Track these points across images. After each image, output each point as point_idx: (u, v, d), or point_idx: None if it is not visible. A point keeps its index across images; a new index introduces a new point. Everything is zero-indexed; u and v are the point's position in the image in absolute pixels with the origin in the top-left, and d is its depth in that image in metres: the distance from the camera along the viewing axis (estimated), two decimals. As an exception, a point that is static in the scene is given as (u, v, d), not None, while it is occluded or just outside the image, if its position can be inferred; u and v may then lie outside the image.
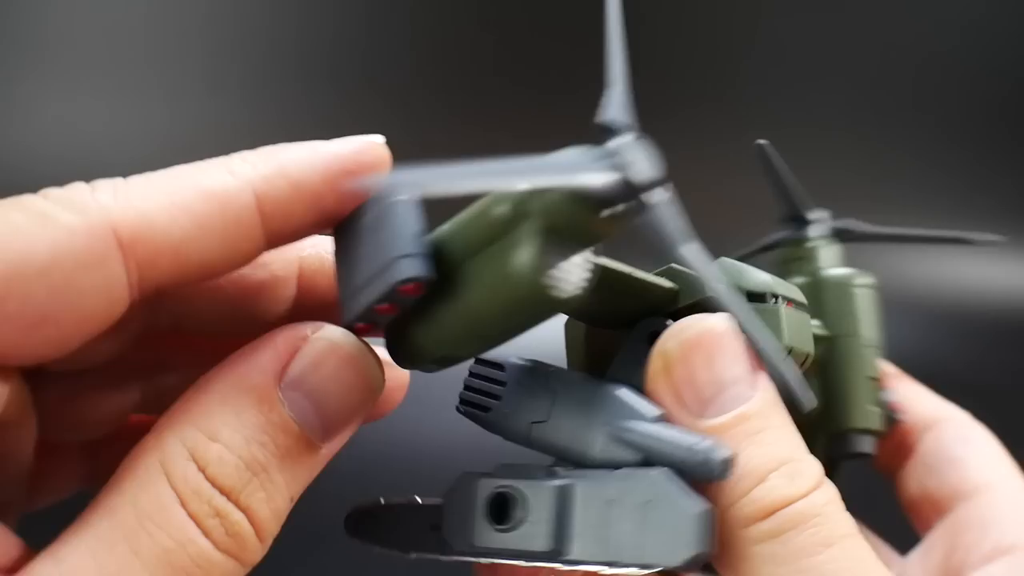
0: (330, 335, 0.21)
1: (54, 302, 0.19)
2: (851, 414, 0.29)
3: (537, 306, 0.20)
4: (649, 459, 0.22)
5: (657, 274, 0.24)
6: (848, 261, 0.32)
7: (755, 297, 0.23)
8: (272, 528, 0.20)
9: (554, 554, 0.22)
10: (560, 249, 0.19)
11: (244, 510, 0.20)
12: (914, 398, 0.32)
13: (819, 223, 0.32)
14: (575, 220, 0.19)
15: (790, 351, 0.22)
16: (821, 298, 0.30)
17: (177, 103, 0.59)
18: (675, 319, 0.23)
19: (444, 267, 0.21)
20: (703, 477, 0.21)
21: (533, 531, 0.23)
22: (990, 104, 0.72)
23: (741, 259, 0.33)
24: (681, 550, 0.20)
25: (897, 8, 0.69)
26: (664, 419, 0.22)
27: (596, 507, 0.22)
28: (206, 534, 0.19)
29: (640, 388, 0.23)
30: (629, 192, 0.19)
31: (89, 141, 0.59)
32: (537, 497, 0.23)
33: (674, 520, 0.20)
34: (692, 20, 0.66)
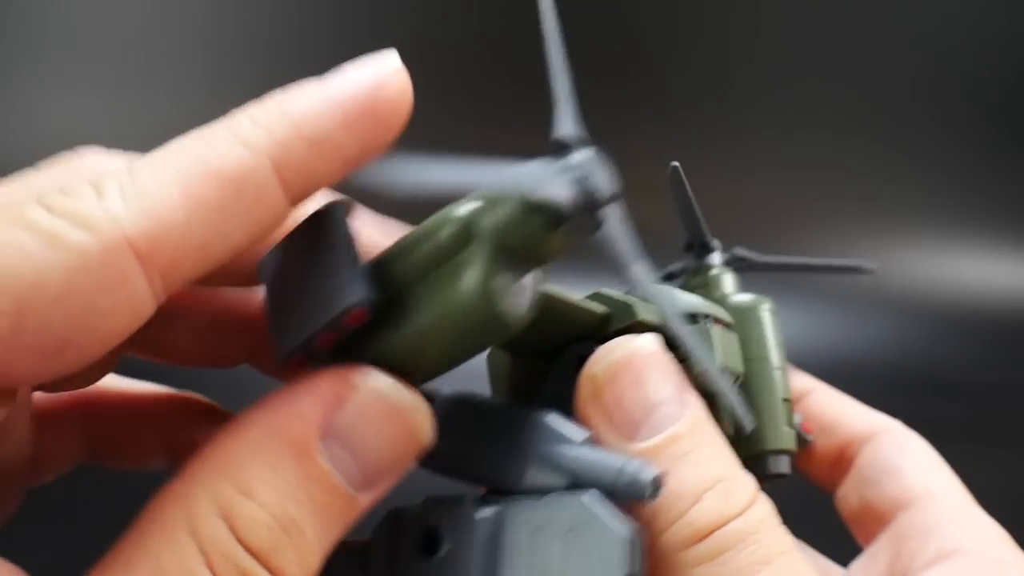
0: (379, 385, 0.20)
1: (74, 328, 0.17)
2: (768, 436, 0.30)
3: (488, 330, 0.19)
4: (578, 483, 0.21)
5: (588, 298, 0.23)
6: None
7: (687, 318, 0.23)
8: None
9: None
10: (511, 270, 0.19)
11: (274, 571, 0.19)
12: (847, 412, 0.32)
13: (718, 251, 0.33)
14: (527, 239, 0.19)
15: (723, 371, 0.22)
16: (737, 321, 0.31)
17: (177, 103, 0.59)
18: (595, 336, 0.23)
19: (388, 292, 0.20)
20: (632, 498, 0.20)
21: (462, 566, 0.22)
22: (990, 104, 0.72)
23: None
24: (608, 575, 0.20)
25: (898, 8, 0.69)
26: (592, 441, 0.22)
27: (524, 535, 0.22)
28: None
29: (570, 414, 0.22)
30: (588, 206, 0.18)
31: (89, 141, 0.59)
32: (464, 530, 0.23)
33: (600, 544, 0.20)
34: (692, 20, 0.66)
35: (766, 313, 0.31)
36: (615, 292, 0.23)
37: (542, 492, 0.22)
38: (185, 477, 0.19)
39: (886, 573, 0.29)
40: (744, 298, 0.31)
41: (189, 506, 0.19)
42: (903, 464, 0.30)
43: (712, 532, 0.20)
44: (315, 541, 0.19)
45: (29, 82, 0.57)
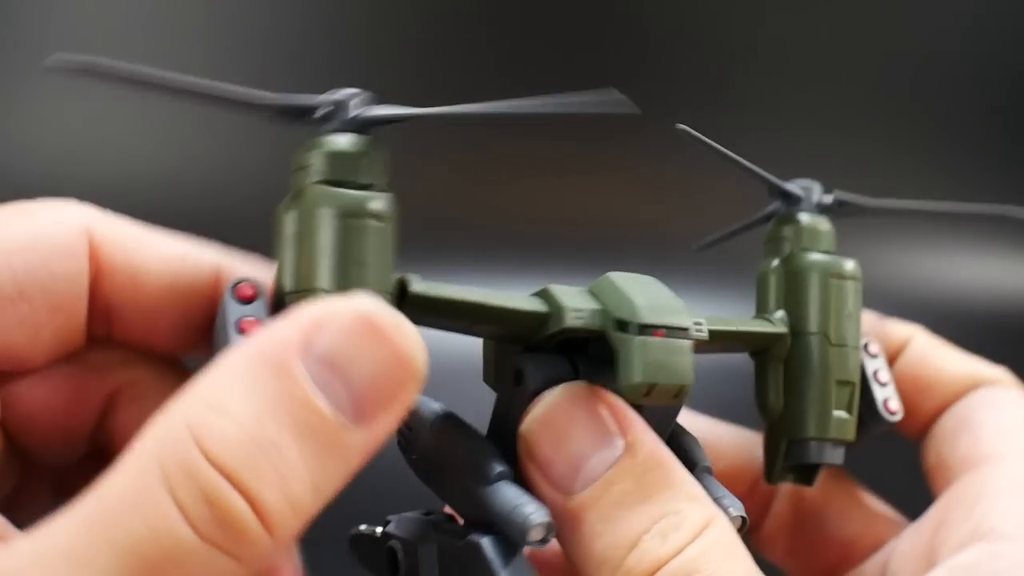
0: (360, 304, 0.18)
1: (30, 280, 0.20)
2: (810, 421, 0.27)
3: None
4: (493, 522, 0.21)
5: (534, 295, 0.23)
6: (840, 251, 0.29)
7: (621, 325, 0.21)
8: (287, 519, 0.17)
9: None
10: None
11: (245, 493, 0.17)
12: (945, 370, 0.29)
13: (808, 196, 0.29)
14: None
15: (651, 388, 0.21)
16: (793, 287, 0.27)
17: (176, 103, 0.59)
18: (548, 342, 0.23)
19: None
20: (524, 543, 0.20)
21: None
22: (990, 104, 0.72)
23: (732, 233, 0.31)
24: None
25: (897, 9, 0.69)
26: (505, 476, 0.21)
27: (449, 567, 0.22)
28: (190, 522, 0.16)
29: (513, 432, 0.22)
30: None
31: (89, 141, 0.59)
32: (410, 553, 0.23)
33: None
34: (693, 21, 0.66)
35: (831, 279, 0.27)
36: (560, 290, 0.22)
37: (476, 523, 0.22)
38: (165, 408, 0.18)
39: (929, 542, 0.27)
40: (807, 258, 0.28)
41: (161, 430, 0.17)
42: (984, 419, 0.28)
43: None
44: (302, 470, 0.17)
45: (29, 82, 0.57)
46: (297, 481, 0.17)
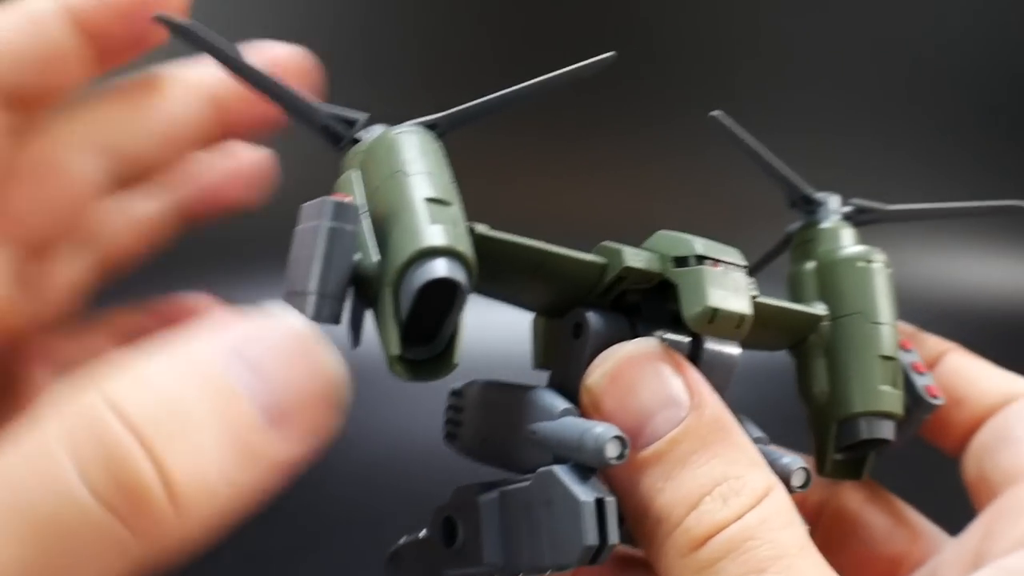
0: (291, 319, 0.18)
1: None
2: (857, 396, 0.27)
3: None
4: (559, 456, 0.21)
5: (594, 251, 0.23)
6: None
7: (680, 262, 0.22)
8: (195, 496, 0.16)
9: (506, 569, 0.22)
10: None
11: (155, 458, 0.16)
12: (981, 381, 0.30)
13: (829, 204, 0.31)
14: None
15: (715, 312, 0.21)
16: (828, 280, 0.29)
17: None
18: (604, 298, 0.23)
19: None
20: (599, 464, 0.20)
21: (476, 550, 0.22)
22: (990, 104, 0.72)
23: (760, 263, 0.32)
24: (575, 544, 0.20)
25: (897, 9, 0.69)
26: (571, 412, 0.22)
27: (521, 513, 0.22)
28: (88, 484, 0.15)
29: (575, 386, 0.22)
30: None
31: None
32: (472, 516, 0.23)
33: (569, 514, 0.20)
34: (694, 22, 0.66)
35: (866, 264, 0.28)
36: (616, 245, 0.23)
37: (534, 469, 0.22)
38: (81, 375, 0.17)
39: (973, 552, 0.27)
40: (842, 251, 0.29)
41: (75, 389, 0.17)
42: None
43: (708, 539, 0.20)
44: (214, 451, 0.17)
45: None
46: (209, 461, 0.16)
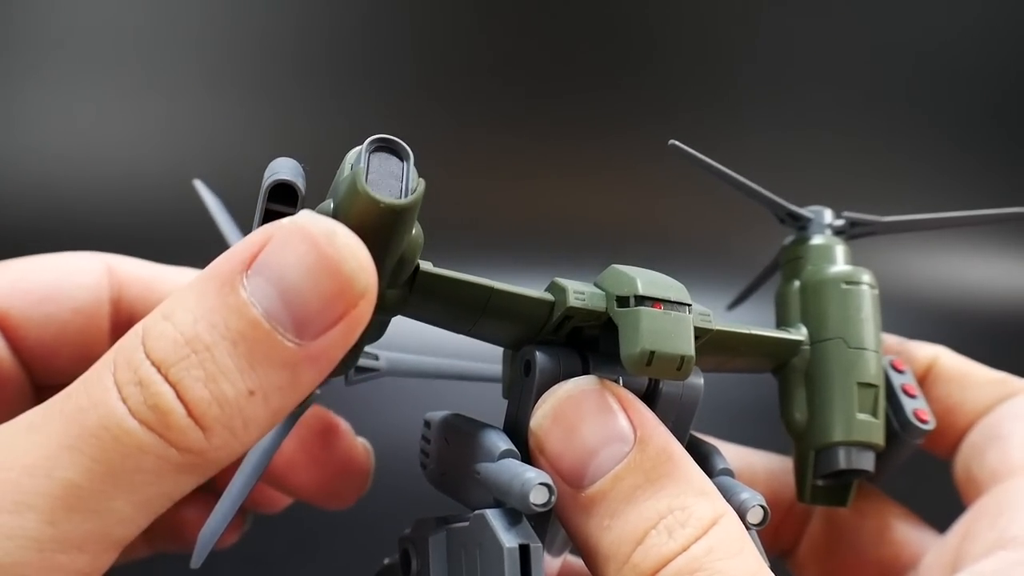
0: (302, 219, 0.19)
1: (54, 286, 0.27)
2: (835, 425, 0.27)
3: (381, 220, 0.19)
4: (496, 499, 0.22)
5: (547, 288, 0.23)
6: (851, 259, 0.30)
7: (621, 302, 0.22)
8: (216, 414, 0.18)
9: None
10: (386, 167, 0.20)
11: (173, 384, 0.18)
12: (971, 389, 0.29)
13: (820, 218, 0.30)
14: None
15: (652, 355, 0.21)
16: (811, 301, 0.28)
17: (176, 102, 0.59)
18: (558, 333, 0.23)
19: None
20: (526, 510, 0.20)
21: None
22: (990, 105, 0.72)
23: (755, 283, 0.32)
24: None
25: (898, 9, 0.69)
26: (511, 454, 0.22)
27: (459, 554, 0.22)
28: (123, 400, 0.18)
29: (527, 422, 0.22)
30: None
31: (89, 141, 0.59)
32: (423, 551, 0.23)
33: (495, 559, 0.20)
34: (694, 22, 0.66)
35: (845, 288, 0.27)
36: (566, 281, 0.23)
37: (478, 508, 0.22)
38: None
39: (953, 553, 0.27)
40: (823, 271, 0.28)
41: (124, 339, 0.19)
42: (1012, 431, 0.28)
43: (655, 574, 0.20)
44: (233, 370, 0.18)
45: (29, 82, 0.57)
46: (226, 381, 0.18)
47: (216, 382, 0.18)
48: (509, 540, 0.20)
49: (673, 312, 0.21)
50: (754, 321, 0.27)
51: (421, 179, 0.20)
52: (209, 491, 0.32)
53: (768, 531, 0.31)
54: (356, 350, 0.23)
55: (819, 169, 0.65)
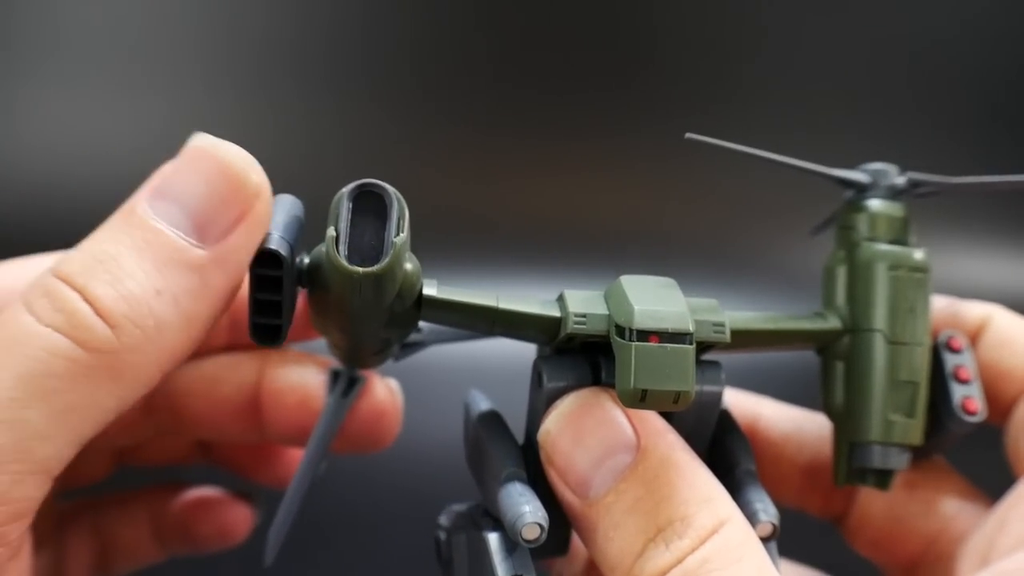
0: (193, 140, 0.21)
1: None
2: (870, 424, 0.26)
3: (362, 285, 0.20)
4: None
5: (555, 300, 0.23)
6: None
7: (619, 331, 0.21)
8: (123, 310, 0.19)
9: None
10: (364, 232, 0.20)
11: (78, 290, 0.19)
12: (1020, 347, 0.28)
13: (877, 182, 0.28)
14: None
15: (644, 392, 0.20)
16: (857, 284, 0.26)
17: (176, 102, 0.59)
18: (571, 343, 0.23)
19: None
20: (519, 541, 0.21)
21: (457, 574, 0.24)
22: (990, 104, 0.72)
23: (829, 220, 0.29)
24: None
25: (898, 9, 0.69)
26: (516, 477, 0.22)
27: (474, 561, 0.23)
28: (30, 310, 0.19)
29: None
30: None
31: (89, 141, 0.59)
32: (448, 544, 0.24)
33: None
34: (694, 22, 0.65)
35: (893, 275, 0.26)
36: (573, 295, 0.23)
37: (496, 519, 0.23)
38: None
39: (988, 541, 0.26)
40: (870, 249, 0.26)
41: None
42: None
43: None
44: (138, 272, 0.19)
45: (29, 82, 0.57)
46: (131, 280, 0.19)
47: (122, 282, 0.19)
48: (504, 570, 0.21)
49: (670, 346, 0.21)
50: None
51: (404, 230, 0.20)
52: (214, 487, 0.32)
53: (819, 497, 0.31)
54: (402, 333, 0.24)
55: (826, 165, 0.65)
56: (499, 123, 0.63)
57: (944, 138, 0.71)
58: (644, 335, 0.21)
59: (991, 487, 0.30)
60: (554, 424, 0.22)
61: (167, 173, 0.21)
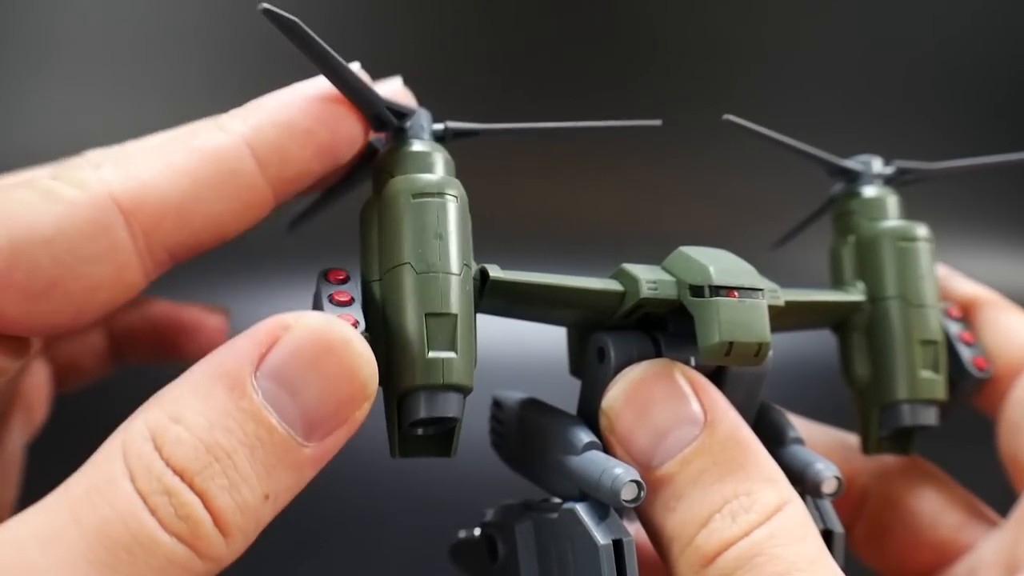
0: (311, 322, 0.19)
1: (60, 270, 0.19)
2: (898, 383, 0.27)
3: None
4: (582, 490, 0.22)
5: (613, 276, 0.23)
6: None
7: (695, 291, 0.22)
8: (238, 521, 0.19)
9: None
10: None
11: (199, 494, 0.18)
12: (1011, 334, 0.29)
13: (869, 169, 0.29)
14: None
15: (731, 346, 0.21)
16: (867, 259, 0.28)
17: (176, 101, 0.59)
18: (629, 319, 0.23)
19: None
20: (615, 506, 0.21)
21: (516, 570, 0.23)
22: (990, 104, 0.72)
23: (802, 224, 0.31)
24: None
25: (898, 9, 0.69)
26: (595, 446, 0.22)
27: (549, 544, 0.22)
28: (152, 512, 0.18)
29: (599, 411, 0.23)
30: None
31: (89, 141, 0.59)
32: (509, 539, 0.24)
33: (589, 554, 0.21)
34: (693, 22, 0.65)
35: (902, 245, 0.27)
36: (635, 268, 0.23)
37: (565, 499, 0.22)
38: (132, 415, 0.19)
39: (1009, 552, 0.26)
40: (878, 226, 0.28)
41: (125, 432, 0.19)
42: None
43: (717, 556, 0.20)
44: (251, 476, 0.19)
45: (29, 82, 0.57)
46: (249, 489, 0.19)
47: (239, 490, 0.18)
48: (603, 537, 0.21)
49: (748, 300, 0.21)
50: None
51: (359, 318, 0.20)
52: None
53: None
54: None
55: (819, 169, 0.65)
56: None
57: (944, 139, 0.71)
58: (722, 291, 0.21)
59: (979, 490, 0.30)
60: (621, 392, 0.22)
61: (285, 353, 0.19)
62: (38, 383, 0.27)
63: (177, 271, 0.31)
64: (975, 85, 0.71)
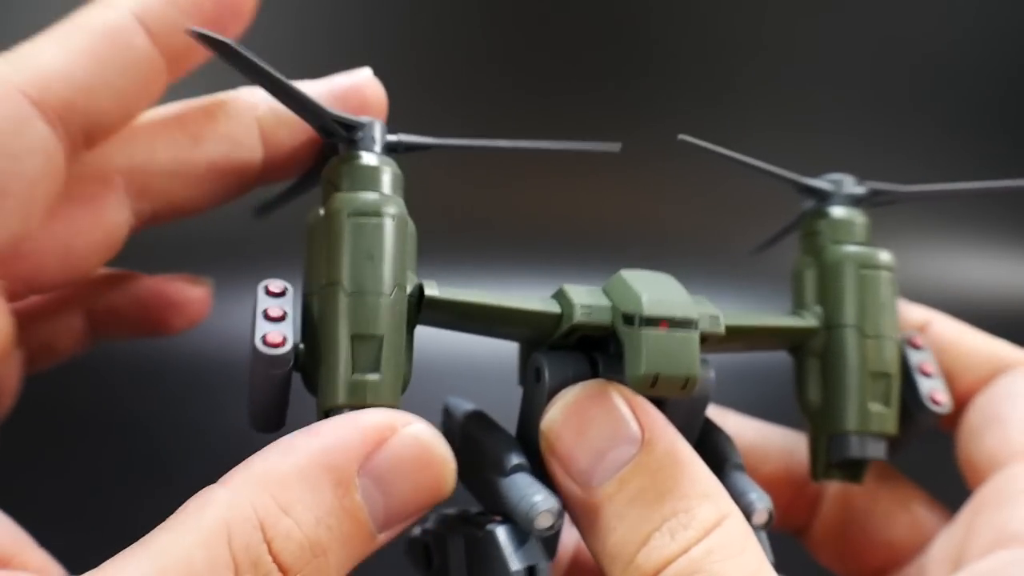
0: (419, 432, 0.21)
1: None
2: (847, 415, 0.26)
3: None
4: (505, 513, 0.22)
5: (552, 296, 0.23)
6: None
7: (627, 319, 0.22)
8: None
9: None
10: None
11: None
12: (966, 354, 0.28)
13: (840, 188, 0.29)
14: None
15: (656, 378, 0.21)
16: (828, 284, 0.27)
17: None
18: (568, 339, 0.23)
19: None
20: (532, 530, 0.21)
21: None
22: (991, 104, 0.72)
23: (777, 235, 0.31)
24: None
25: (898, 9, 0.69)
26: (522, 468, 0.22)
27: (472, 561, 0.23)
28: None
29: (537, 428, 0.23)
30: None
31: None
32: (441, 550, 0.24)
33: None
34: (694, 22, 0.65)
35: (863, 273, 0.27)
36: (574, 290, 0.23)
37: (495, 516, 0.23)
38: (231, 485, 0.19)
39: (957, 548, 0.26)
40: (838, 251, 0.27)
41: (231, 510, 0.19)
42: (1011, 413, 0.27)
43: (657, 575, 0.20)
44: (335, 570, 0.20)
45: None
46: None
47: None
48: (517, 562, 0.21)
49: (678, 332, 0.21)
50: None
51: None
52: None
53: (781, 509, 0.31)
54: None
55: (819, 169, 0.65)
56: (498, 124, 0.63)
57: (944, 139, 0.71)
58: (653, 322, 0.21)
59: (938, 492, 0.30)
60: (558, 414, 0.22)
61: (392, 463, 0.20)
62: (8, 373, 0.27)
63: (169, 268, 0.31)
64: (975, 89, 0.71)
